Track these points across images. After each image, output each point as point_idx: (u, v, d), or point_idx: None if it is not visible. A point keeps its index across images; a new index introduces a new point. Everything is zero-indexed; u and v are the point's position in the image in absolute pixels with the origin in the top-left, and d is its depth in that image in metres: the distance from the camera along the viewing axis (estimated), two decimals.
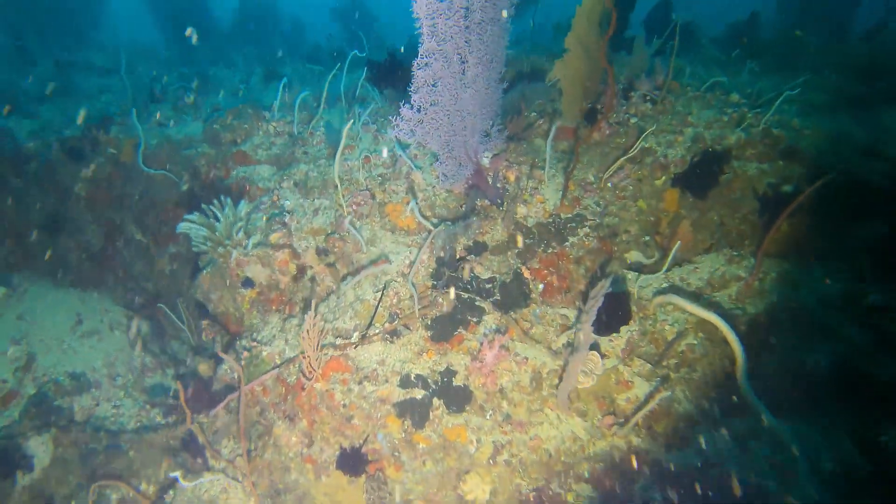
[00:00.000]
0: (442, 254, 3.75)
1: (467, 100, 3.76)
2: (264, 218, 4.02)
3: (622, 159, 4.19)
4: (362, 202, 4.11)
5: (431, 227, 3.78)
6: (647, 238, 4.22)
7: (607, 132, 4.43)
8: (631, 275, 3.83)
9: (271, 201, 4.33)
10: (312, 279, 3.93)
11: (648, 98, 4.78)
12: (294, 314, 3.82)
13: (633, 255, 4.19)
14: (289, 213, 4.16)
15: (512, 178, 4.29)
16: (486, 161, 4.25)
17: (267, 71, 7.91)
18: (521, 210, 4.03)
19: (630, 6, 7.08)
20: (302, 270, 3.96)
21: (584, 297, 3.65)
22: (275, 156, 4.86)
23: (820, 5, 8.82)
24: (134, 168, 5.37)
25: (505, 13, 3.83)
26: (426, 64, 3.31)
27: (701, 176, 4.12)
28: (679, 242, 3.83)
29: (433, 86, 3.46)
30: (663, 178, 4.18)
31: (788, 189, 4.05)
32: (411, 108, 3.38)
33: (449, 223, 3.95)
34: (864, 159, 4.13)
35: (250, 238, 3.89)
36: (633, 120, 4.55)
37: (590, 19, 4.08)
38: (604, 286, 3.11)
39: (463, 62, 3.62)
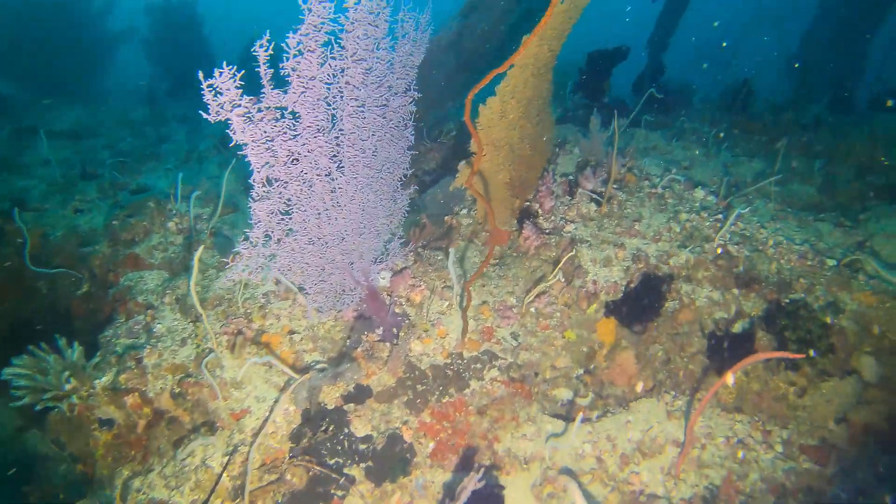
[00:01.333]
0: (308, 405, 3.16)
1: (348, 218, 3.22)
2: (119, 350, 3.51)
3: (544, 284, 3.57)
4: (236, 331, 3.57)
5: (293, 374, 3.20)
6: (581, 371, 3.56)
7: (536, 243, 3.82)
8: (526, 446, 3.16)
9: (145, 322, 3.82)
10: (171, 421, 3.38)
11: (594, 197, 4.17)
12: (142, 471, 3.25)
13: (563, 393, 3.53)
14: (157, 339, 3.64)
15: (418, 300, 3.70)
16: (383, 281, 3.68)
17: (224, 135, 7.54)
18: (417, 347, 3.42)
19: (603, 74, 6.55)
20: (159, 415, 3.41)
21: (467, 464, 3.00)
22: (169, 260, 4.38)
23: (822, 72, 8.15)
24: (39, 262, 4.95)
25: (400, 103, 3.32)
26: (266, 195, 2.77)
27: (640, 305, 3.46)
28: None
29: (285, 214, 2.92)
30: (594, 305, 3.54)
31: (741, 328, 3.36)
32: (251, 244, 2.83)
33: (322, 367, 3.36)
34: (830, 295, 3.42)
35: (99, 379, 3.37)
36: (569, 227, 3.93)
37: (516, 99, 3.52)
38: (472, 479, 2.48)
39: (338, 170, 3.09)
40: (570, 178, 4.55)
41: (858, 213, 4.59)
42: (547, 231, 3.95)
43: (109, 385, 3.41)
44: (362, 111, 3.11)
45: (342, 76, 2.89)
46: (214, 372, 3.39)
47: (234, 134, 2.41)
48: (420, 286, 3.72)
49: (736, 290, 3.51)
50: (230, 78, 2.28)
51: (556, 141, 5.43)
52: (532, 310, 3.61)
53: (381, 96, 3.25)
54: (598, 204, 4.12)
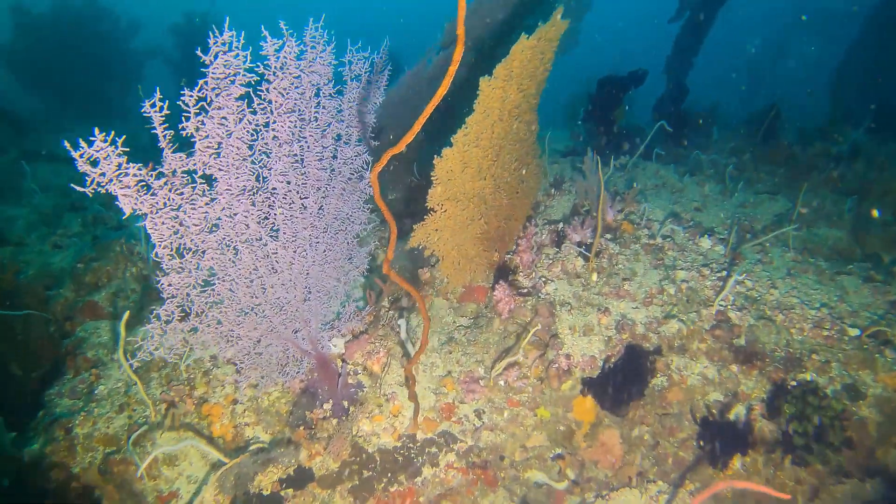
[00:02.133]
0: (235, 495, 2.84)
1: (289, 284, 2.91)
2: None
3: (512, 356, 3.18)
4: (176, 399, 3.29)
5: (222, 458, 2.90)
6: (559, 450, 3.15)
7: (509, 306, 3.43)
8: None
9: (90, 381, 3.59)
10: (97, 502, 3.11)
11: (582, 250, 3.76)
12: None
13: (536, 475, 3.12)
14: (96, 403, 3.39)
15: (376, 368, 3.36)
16: (336, 349, 3.35)
17: None
18: (366, 426, 3.07)
19: (614, 102, 6.12)
20: (87, 490, 3.15)
21: None
22: (129, 309, 4.16)
23: (865, 91, 7.48)
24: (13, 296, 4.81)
25: (352, 153, 3.01)
26: (177, 268, 2.48)
27: (622, 384, 3.04)
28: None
29: (208, 284, 2.62)
30: (568, 382, 3.13)
31: (739, 414, 2.90)
32: (163, 320, 2.53)
33: (260, 447, 3.05)
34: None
35: (30, 447, 3.14)
36: (549, 287, 3.53)
37: (481, 148, 3.17)
38: None
39: (272, 233, 2.79)
40: (561, 225, 4.15)
41: (894, 264, 4.05)
42: (525, 291, 3.56)
43: (35, 457, 3.17)
44: (299, 167, 2.80)
45: (269, 130, 2.58)
46: (146, 446, 3.11)
47: (124, 207, 2.12)
48: (379, 353, 3.38)
49: (735, 367, 3.05)
50: (110, 145, 2.00)
51: (553, 179, 5.03)
52: (501, 383, 3.22)
53: (327, 148, 2.94)
54: (587, 258, 3.70)
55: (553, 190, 4.79)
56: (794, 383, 2.91)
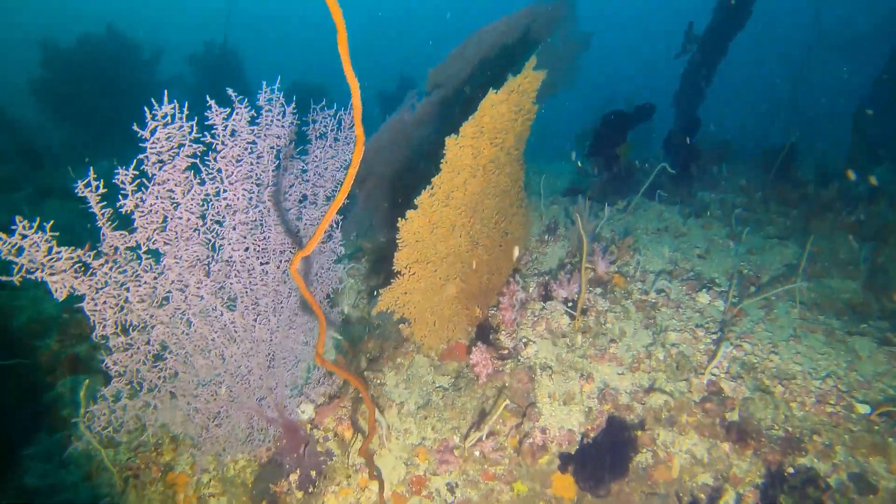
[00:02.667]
0: None
1: (250, 352, 2.80)
2: None
3: (486, 426, 3.01)
4: (143, 465, 3.19)
5: None
6: None
7: (486, 370, 3.26)
8: None
9: (62, 443, 3.52)
10: None
11: (568, 308, 3.58)
12: None
13: None
14: (65, 469, 3.31)
15: (348, 434, 3.21)
16: (304, 415, 3.22)
17: None
18: (331, 502, 2.92)
19: (618, 138, 5.95)
20: None
21: None
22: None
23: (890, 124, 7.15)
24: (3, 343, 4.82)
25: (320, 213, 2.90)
26: (124, 345, 2.38)
27: (602, 462, 2.83)
28: None
29: (159, 358, 2.53)
30: (545, 457, 2.93)
31: (727, 502, 2.67)
32: (109, 400, 2.43)
33: None
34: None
35: None
36: (530, 349, 3.36)
37: (452, 207, 3.04)
38: None
39: (228, 303, 2.69)
40: (548, 278, 3.98)
41: None
42: (505, 352, 3.38)
43: None
44: (258, 232, 2.70)
45: (220, 200, 2.49)
46: None
47: (55, 293, 2.04)
48: (351, 417, 3.23)
49: (726, 446, 2.82)
50: (36, 232, 1.92)
51: (548, 224, 4.87)
52: (476, 453, 3.04)
53: (290, 210, 2.84)
54: (573, 316, 3.52)
55: (547, 236, 4.62)
56: (791, 469, 2.66)
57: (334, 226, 3.12)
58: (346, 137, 3.08)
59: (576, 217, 4.16)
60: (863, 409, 2.93)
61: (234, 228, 2.59)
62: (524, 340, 3.38)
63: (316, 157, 2.94)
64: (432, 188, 2.85)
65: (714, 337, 3.38)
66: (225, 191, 2.49)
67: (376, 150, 4.22)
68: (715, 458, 2.80)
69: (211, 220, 2.51)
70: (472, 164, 2.98)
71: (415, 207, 2.85)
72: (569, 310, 3.54)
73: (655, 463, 2.85)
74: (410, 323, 3.16)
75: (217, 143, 2.38)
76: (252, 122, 2.50)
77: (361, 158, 3.33)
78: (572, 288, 3.65)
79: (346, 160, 3.16)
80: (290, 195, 2.88)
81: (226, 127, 2.37)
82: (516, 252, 3.78)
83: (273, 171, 2.70)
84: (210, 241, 2.53)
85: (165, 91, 2.04)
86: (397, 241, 2.87)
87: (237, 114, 2.40)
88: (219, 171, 2.43)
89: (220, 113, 2.33)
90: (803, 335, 3.56)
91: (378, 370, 3.55)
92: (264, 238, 2.77)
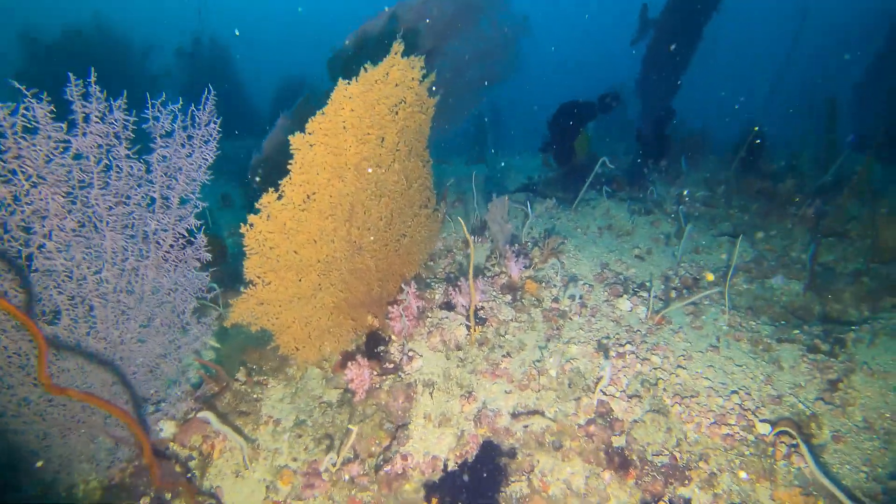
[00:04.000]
0: None
1: (88, 368, 2.59)
2: None
3: (343, 448, 2.76)
4: None
5: None
6: None
7: (364, 386, 3.01)
8: None
9: None
10: None
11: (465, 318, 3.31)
12: None
13: None
14: None
15: (216, 455, 2.99)
16: (165, 432, 2.99)
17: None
18: None
19: (573, 132, 5.62)
20: None
21: None
22: None
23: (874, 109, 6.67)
24: None
25: (173, 217, 2.67)
26: None
27: (471, 488, 2.57)
28: None
29: None
30: (410, 485, 2.67)
31: None
32: None
33: None
34: None
35: None
36: (414, 363, 3.10)
37: (320, 209, 2.80)
38: None
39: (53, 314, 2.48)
40: (464, 280, 3.70)
41: (850, 329, 3.41)
42: (390, 366, 3.12)
43: None
44: (84, 240, 2.47)
45: (23, 205, 2.27)
46: None
47: None
48: (220, 434, 3.00)
49: (607, 475, 2.53)
50: None
51: (474, 225, 4.58)
52: (345, 477, 2.79)
53: (131, 215, 2.61)
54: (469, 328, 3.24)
55: (475, 237, 4.33)
56: (667, 501, 2.37)
57: (195, 229, 2.88)
58: (202, 136, 2.83)
59: (492, 212, 3.87)
60: (763, 428, 2.62)
61: (51, 237, 2.36)
62: (410, 354, 3.12)
63: (163, 156, 2.69)
64: (281, 192, 2.59)
65: (621, 349, 3.07)
66: (27, 193, 2.25)
67: (273, 148, 3.97)
68: (593, 487, 2.52)
69: (16, 227, 2.28)
70: (334, 163, 2.71)
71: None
72: (464, 322, 3.27)
73: (531, 492, 2.57)
74: (274, 335, 2.91)
75: (6, 143, 2.14)
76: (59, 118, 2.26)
77: (267, 156, 3.08)
78: (476, 295, 3.36)
79: (206, 159, 2.91)
80: (134, 198, 2.64)
81: (13, 125, 2.13)
82: (422, 254, 3.51)
83: (99, 173, 2.46)
84: (17, 249, 2.30)
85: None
86: (244, 247, 2.62)
87: (40, 108, 2.16)
88: (13, 172, 2.20)
89: (4, 108, 2.09)
90: (725, 344, 3.24)
91: (261, 383, 3.32)
92: (96, 245, 2.53)
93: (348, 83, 2.56)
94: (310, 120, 2.50)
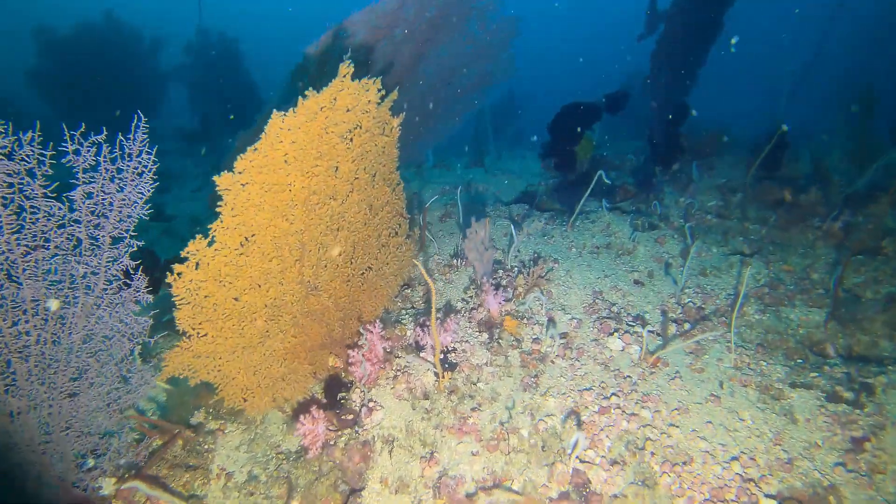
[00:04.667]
0: None
1: (20, 419, 2.37)
2: None
3: None
4: None
5: None
6: None
7: (320, 441, 2.74)
8: None
9: None
10: None
11: (435, 362, 3.02)
12: None
13: None
14: None
15: None
16: (104, 490, 2.77)
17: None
18: None
19: (574, 137, 5.25)
20: None
21: None
22: None
23: None
24: None
25: (106, 258, 2.44)
26: None
27: None
28: None
29: None
30: None
31: None
32: None
33: None
34: None
35: None
36: (375, 415, 2.81)
37: (262, 248, 2.53)
38: None
39: None
40: (424, 319, 3.40)
41: (880, 373, 3.02)
42: (350, 417, 2.84)
43: None
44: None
45: None
46: None
47: None
48: (159, 501, 2.76)
49: None
50: None
51: (457, 246, 4.25)
52: None
53: (52, 259, 2.36)
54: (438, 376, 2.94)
55: (456, 260, 4.01)
56: None
57: (131, 271, 2.63)
58: (134, 168, 2.56)
59: (471, 240, 3.54)
60: None
61: None
62: (371, 404, 2.83)
63: (88, 193, 2.44)
64: (211, 236, 2.31)
65: (605, 403, 2.74)
66: None
67: None
68: None
69: None
70: (275, 200, 2.42)
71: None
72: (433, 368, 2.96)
73: None
74: (217, 388, 2.65)
75: None
76: None
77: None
78: (446, 336, 3.06)
79: (142, 194, 2.64)
80: (55, 241, 2.39)
81: None
82: (392, 287, 3.22)
83: (15, 214, 2.21)
84: None
85: None
86: (173, 298, 2.35)
87: None
88: None
89: None
90: (729, 392, 2.88)
91: (215, 432, 3.07)
92: (11, 295, 2.29)
93: (284, 114, 2.25)
94: (239, 157, 2.21)
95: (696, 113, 6.32)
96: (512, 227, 3.94)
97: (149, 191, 2.63)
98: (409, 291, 3.81)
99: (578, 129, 5.41)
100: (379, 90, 2.62)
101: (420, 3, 3.57)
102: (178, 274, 2.30)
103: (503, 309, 3.32)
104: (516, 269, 3.83)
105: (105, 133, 2.46)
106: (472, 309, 3.39)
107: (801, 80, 8.13)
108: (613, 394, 2.79)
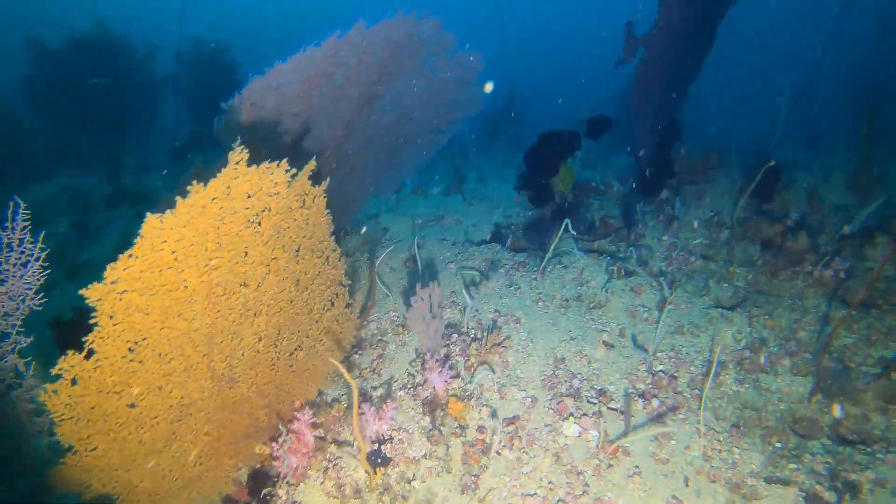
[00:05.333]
0: None
1: None
2: None
3: None
4: None
5: None
6: None
7: None
8: None
9: None
10: None
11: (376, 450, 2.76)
12: None
13: None
14: None
15: None
16: None
17: None
18: None
19: (552, 168, 4.96)
20: None
21: None
22: None
23: None
24: None
25: None
26: None
27: None
28: None
29: None
30: None
31: None
32: None
33: None
34: None
35: None
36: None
37: (174, 340, 2.29)
38: None
39: None
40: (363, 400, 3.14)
41: (868, 465, 2.72)
42: None
43: None
44: None
45: None
46: None
47: None
48: None
49: None
50: None
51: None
52: None
53: None
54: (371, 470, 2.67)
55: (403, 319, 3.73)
56: None
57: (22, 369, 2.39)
58: (16, 259, 2.32)
59: (413, 312, 3.26)
60: None
61: None
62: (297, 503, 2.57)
63: None
64: (87, 349, 2.05)
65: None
66: None
67: None
68: None
69: None
70: (165, 301, 2.16)
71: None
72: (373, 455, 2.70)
73: None
74: (117, 499, 2.40)
75: None
76: None
77: None
78: (381, 424, 2.79)
79: (29, 285, 2.40)
80: None
81: None
82: (322, 369, 2.96)
83: None
84: None
85: None
86: (52, 415, 2.11)
87: None
88: None
89: None
90: (695, 492, 2.60)
91: None
92: None
93: (161, 216, 1.99)
94: (109, 267, 1.95)
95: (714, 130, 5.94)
96: (465, 292, 3.66)
97: (38, 281, 2.39)
98: (357, 357, 3.54)
99: (556, 160, 5.10)
100: (288, 170, 2.35)
101: (360, 48, 3.28)
102: (54, 392, 2.05)
103: (449, 387, 3.04)
104: (472, 332, 3.55)
105: None
106: (418, 385, 3.12)
107: (804, 87, 7.70)
108: (560, 500, 2.51)
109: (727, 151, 6.51)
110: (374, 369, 3.43)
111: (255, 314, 2.58)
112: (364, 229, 5.24)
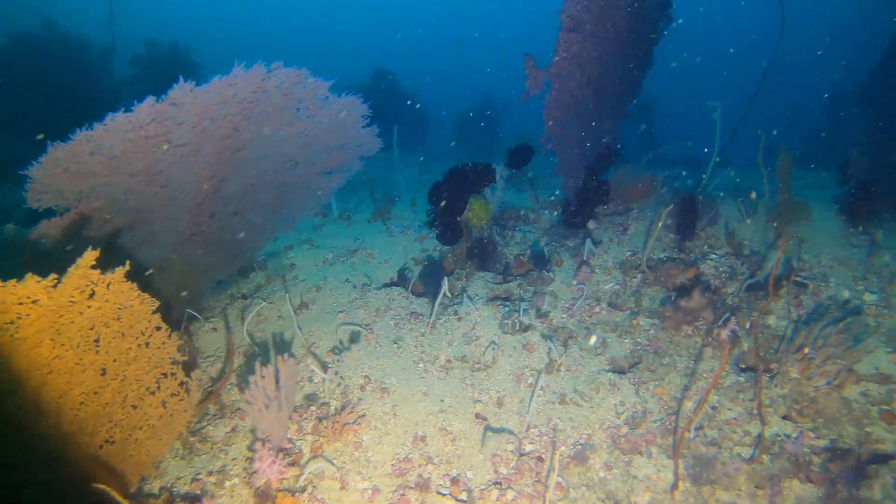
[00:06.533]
0: None
1: None
2: None
3: None
4: None
5: None
6: None
7: None
8: None
9: None
10: None
11: None
12: None
13: None
14: None
15: None
16: None
17: None
18: None
19: (458, 203, 4.74)
20: None
21: None
22: None
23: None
24: None
25: None
26: None
27: None
28: None
29: None
30: None
31: None
32: None
33: None
34: None
35: None
36: None
37: None
38: None
39: None
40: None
41: None
42: None
43: None
44: None
45: None
46: None
47: None
48: None
49: None
50: None
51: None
52: None
53: None
54: None
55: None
56: None
57: None
58: None
59: (251, 394, 3.05)
60: None
61: None
62: None
63: None
64: None
65: None
66: None
67: None
68: None
69: None
70: None
71: None
72: None
73: None
74: None
75: None
76: None
77: None
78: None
79: None
80: None
81: None
82: (149, 454, 2.75)
83: None
84: None
85: None
86: None
87: None
88: None
89: None
90: None
91: None
92: None
93: None
94: None
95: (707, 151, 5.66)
96: (318, 371, 3.44)
97: None
98: (211, 429, 3.34)
99: (465, 195, 4.87)
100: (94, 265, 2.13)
101: (202, 106, 3.05)
102: None
103: (284, 476, 2.84)
104: (332, 404, 3.35)
105: None
106: (254, 472, 2.92)
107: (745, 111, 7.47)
108: None
109: (667, 176, 6.29)
110: (227, 443, 3.24)
111: (45, 415, 2.37)
112: (265, 269, 5.03)
